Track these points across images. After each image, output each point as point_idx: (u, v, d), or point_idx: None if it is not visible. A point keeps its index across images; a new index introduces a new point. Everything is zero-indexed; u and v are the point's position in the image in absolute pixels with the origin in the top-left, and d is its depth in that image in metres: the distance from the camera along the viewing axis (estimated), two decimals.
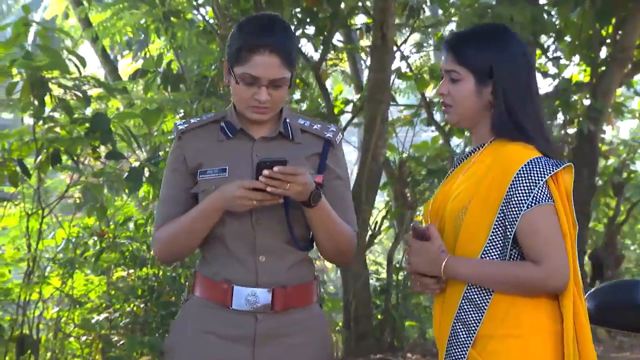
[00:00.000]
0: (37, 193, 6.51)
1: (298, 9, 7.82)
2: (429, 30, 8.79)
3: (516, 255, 2.73)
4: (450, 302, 2.76)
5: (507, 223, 2.70)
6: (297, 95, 8.28)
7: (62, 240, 6.93)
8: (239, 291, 2.92)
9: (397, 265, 8.48)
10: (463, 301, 2.72)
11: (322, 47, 8.00)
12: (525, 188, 2.68)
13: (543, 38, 9.20)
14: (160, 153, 6.76)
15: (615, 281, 3.00)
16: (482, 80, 2.78)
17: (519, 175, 2.69)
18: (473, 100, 2.80)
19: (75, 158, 6.39)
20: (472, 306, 2.72)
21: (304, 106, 8.26)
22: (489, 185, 2.73)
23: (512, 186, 2.68)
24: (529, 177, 2.68)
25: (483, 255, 2.72)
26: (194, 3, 7.67)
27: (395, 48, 8.35)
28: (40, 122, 6.45)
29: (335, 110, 8.56)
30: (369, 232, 8.26)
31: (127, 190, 6.14)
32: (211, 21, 7.80)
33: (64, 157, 6.29)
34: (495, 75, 2.76)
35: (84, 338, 6.65)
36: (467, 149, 3.27)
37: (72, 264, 6.48)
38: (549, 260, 2.66)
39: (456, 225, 2.76)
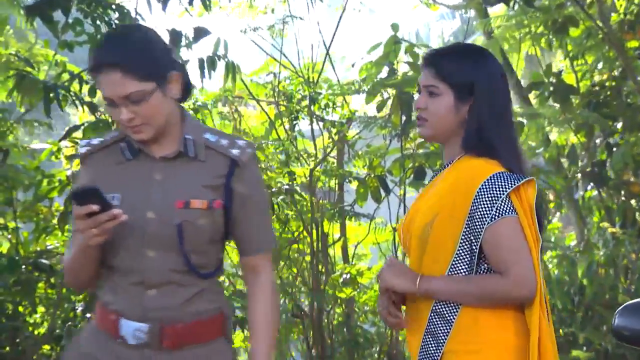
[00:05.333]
0: (401, 206, 7.45)
1: None
2: None
3: (485, 270, 3.06)
4: (420, 315, 3.12)
5: (472, 237, 3.02)
6: None
7: None
8: (126, 324, 3.06)
9: None
10: (432, 314, 3.07)
11: None
12: (488, 202, 2.99)
13: None
14: None
15: None
16: (461, 97, 3.11)
17: (482, 190, 3.00)
18: (451, 116, 3.12)
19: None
20: (441, 319, 3.07)
21: None
22: (453, 200, 3.05)
23: (475, 200, 3.00)
24: (492, 191, 2.99)
25: (451, 269, 3.05)
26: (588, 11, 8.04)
27: None
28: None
29: None
30: None
31: None
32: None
33: None
34: (475, 92, 3.10)
35: None
36: None
37: None
38: (514, 270, 2.97)
39: (422, 240, 3.09)
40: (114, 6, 6.64)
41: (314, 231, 7.62)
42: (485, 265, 3.06)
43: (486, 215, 2.98)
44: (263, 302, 3.18)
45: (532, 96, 8.95)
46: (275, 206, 7.34)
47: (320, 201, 7.72)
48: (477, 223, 3.00)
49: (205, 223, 3.06)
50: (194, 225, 3.04)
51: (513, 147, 3.11)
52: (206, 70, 6.82)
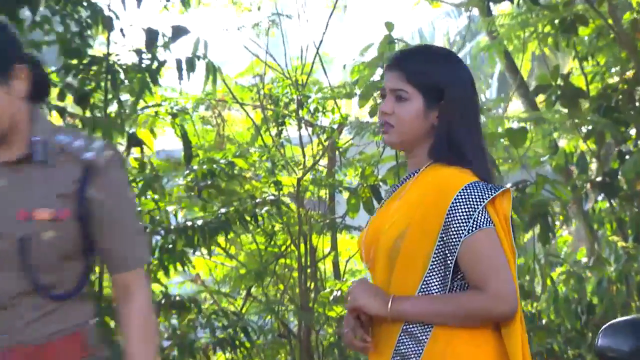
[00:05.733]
0: None
1: None
2: None
3: (459, 287, 2.96)
4: (389, 335, 2.99)
5: (447, 251, 2.92)
6: None
7: None
8: None
9: None
10: (402, 334, 2.96)
11: None
12: (465, 213, 2.90)
13: None
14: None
15: None
16: (431, 102, 3.01)
17: (457, 200, 2.91)
18: (419, 122, 3.01)
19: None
20: (411, 339, 2.95)
21: None
22: (425, 211, 2.95)
23: (450, 212, 2.91)
24: (468, 202, 2.90)
25: (423, 286, 2.95)
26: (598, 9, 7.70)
27: None
28: None
29: None
30: None
31: None
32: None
33: None
34: (445, 96, 3.00)
35: None
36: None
37: None
38: (493, 285, 2.87)
39: (392, 255, 2.97)
40: (85, 3, 6.39)
41: (302, 245, 7.42)
42: (460, 281, 2.97)
43: (463, 228, 2.90)
44: (136, 329, 2.86)
45: (539, 100, 8.65)
46: (260, 218, 7.15)
47: (309, 213, 7.48)
48: (452, 235, 2.91)
49: (53, 236, 2.77)
50: (39, 239, 2.76)
51: (483, 156, 3.04)
52: (184, 72, 6.58)
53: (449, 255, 2.91)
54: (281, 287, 7.67)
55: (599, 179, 7.88)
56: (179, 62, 6.54)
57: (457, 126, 2.99)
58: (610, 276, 7.56)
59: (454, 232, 2.89)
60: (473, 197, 2.90)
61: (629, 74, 7.97)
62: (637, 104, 7.96)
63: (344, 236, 7.84)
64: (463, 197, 2.90)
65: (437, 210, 2.92)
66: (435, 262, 2.93)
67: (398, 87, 3.01)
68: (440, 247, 2.92)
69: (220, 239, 7.22)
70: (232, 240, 7.60)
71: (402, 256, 2.95)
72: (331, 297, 7.34)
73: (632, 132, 7.98)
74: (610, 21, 7.74)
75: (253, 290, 7.66)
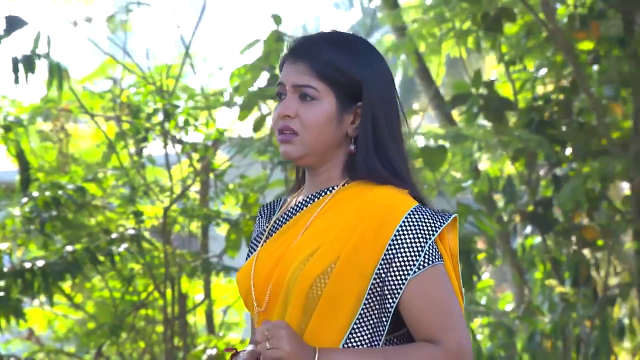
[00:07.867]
0: None
1: None
2: None
3: (390, 341, 2.89)
4: None
5: (386, 291, 2.83)
6: None
7: None
8: None
9: None
10: None
11: None
12: (414, 245, 2.83)
13: None
14: None
15: None
16: (346, 103, 2.93)
17: (404, 228, 2.84)
18: (331, 128, 2.93)
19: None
20: None
21: None
22: (357, 241, 2.85)
23: (395, 242, 2.84)
24: (417, 231, 2.84)
25: (350, 336, 2.85)
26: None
27: None
28: None
29: None
30: None
31: None
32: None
33: None
34: (365, 96, 2.92)
35: None
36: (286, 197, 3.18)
37: None
38: (453, 338, 2.81)
39: (311, 297, 2.86)
40: None
41: (169, 291, 7.33)
42: (392, 335, 2.90)
43: (411, 263, 2.83)
44: None
45: (456, 113, 8.76)
46: (117, 258, 7.01)
47: (177, 251, 7.44)
48: (395, 272, 2.83)
49: None
50: None
51: (410, 171, 2.99)
52: (22, 74, 6.47)
53: (389, 296, 2.83)
54: (141, 344, 7.58)
55: (529, 209, 8.02)
56: (15, 60, 6.43)
57: (381, 134, 2.93)
58: (544, 329, 7.67)
59: (399, 268, 2.83)
60: (422, 225, 2.85)
61: (565, 81, 8.14)
62: (574, 117, 8.13)
63: (220, 280, 7.81)
64: (410, 224, 2.85)
65: (374, 239, 2.85)
66: (368, 307, 2.85)
67: (303, 82, 2.91)
68: (377, 286, 2.84)
69: (65, 285, 7.11)
70: (79, 286, 7.49)
71: (326, 299, 2.85)
72: (204, 357, 7.25)
73: (569, 151, 8.12)
74: (542, 16, 7.87)
75: (105, 348, 7.51)
